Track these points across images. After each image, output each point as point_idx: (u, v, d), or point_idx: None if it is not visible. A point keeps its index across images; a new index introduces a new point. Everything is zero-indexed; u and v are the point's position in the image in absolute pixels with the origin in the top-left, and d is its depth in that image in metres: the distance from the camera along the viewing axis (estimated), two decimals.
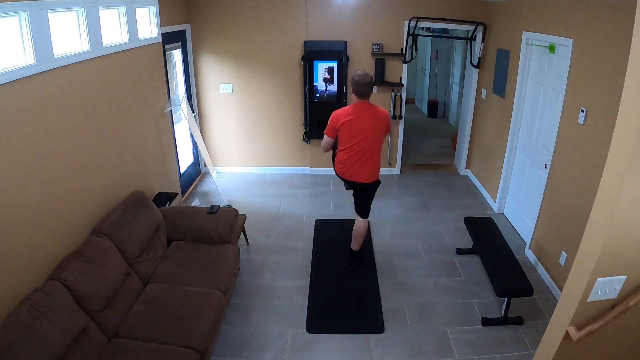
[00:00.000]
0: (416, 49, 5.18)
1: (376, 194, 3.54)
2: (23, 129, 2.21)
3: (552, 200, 3.60)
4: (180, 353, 2.32)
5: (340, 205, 4.97)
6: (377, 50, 5.19)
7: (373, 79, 3.22)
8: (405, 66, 5.29)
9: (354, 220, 3.59)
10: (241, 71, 5.31)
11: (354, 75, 3.25)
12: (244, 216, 4.04)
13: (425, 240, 4.26)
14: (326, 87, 5.32)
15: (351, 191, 3.64)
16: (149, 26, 3.84)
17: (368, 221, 3.73)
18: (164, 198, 3.86)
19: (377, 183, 3.48)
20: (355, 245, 3.72)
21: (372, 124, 3.22)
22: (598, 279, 1.61)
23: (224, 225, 3.46)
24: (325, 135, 3.37)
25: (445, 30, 6.13)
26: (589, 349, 1.81)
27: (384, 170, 5.85)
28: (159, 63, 4.04)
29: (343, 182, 3.60)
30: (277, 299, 3.40)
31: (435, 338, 3.02)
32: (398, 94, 5.41)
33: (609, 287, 1.64)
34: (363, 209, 3.60)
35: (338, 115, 3.27)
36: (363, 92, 3.21)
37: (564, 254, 3.33)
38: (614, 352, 1.88)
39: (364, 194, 3.54)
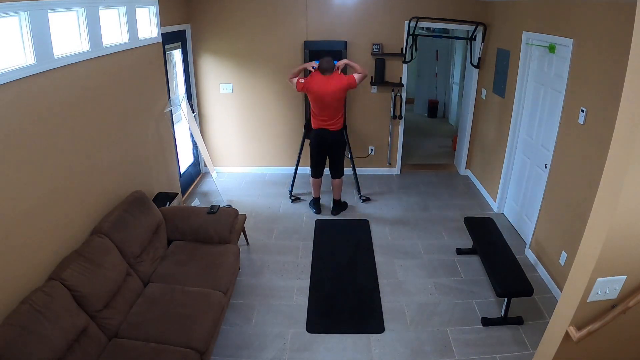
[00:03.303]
0: (416, 49, 5.18)
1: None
2: (23, 129, 2.20)
3: (552, 200, 3.60)
4: (180, 353, 2.32)
5: None
6: (377, 50, 5.19)
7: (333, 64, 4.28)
8: (405, 66, 5.29)
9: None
10: (241, 71, 5.31)
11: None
12: (244, 216, 4.04)
13: (425, 240, 4.26)
14: None
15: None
16: (149, 26, 3.84)
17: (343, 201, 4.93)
18: (164, 198, 3.86)
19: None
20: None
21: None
22: (598, 279, 1.61)
23: (224, 225, 3.46)
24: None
25: (445, 30, 6.12)
26: (589, 349, 1.81)
27: (383, 170, 5.87)
28: (159, 63, 4.04)
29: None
30: (277, 299, 3.40)
31: (435, 338, 3.02)
32: (398, 94, 5.41)
33: (609, 287, 1.64)
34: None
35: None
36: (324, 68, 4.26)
37: (564, 254, 3.33)
38: (614, 352, 1.88)
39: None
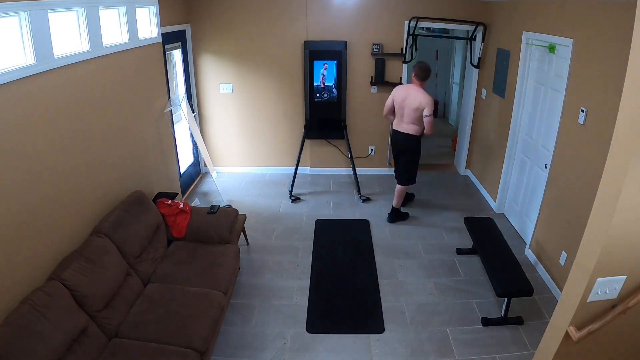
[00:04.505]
0: (416, 49, 5.18)
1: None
2: (23, 129, 2.21)
3: (552, 200, 3.60)
4: (180, 353, 2.33)
5: (340, 205, 4.97)
6: (377, 50, 5.19)
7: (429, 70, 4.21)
8: (405, 66, 5.29)
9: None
10: (241, 71, 5.31)
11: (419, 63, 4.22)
12: (244, 216, 4.04)
13: (425, 240, 4.26)
14: (324, 85, 5.32)
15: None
16: (149, 26, 3.84)
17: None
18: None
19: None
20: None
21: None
22: (598, 279, 1.61)
23: (224, 225, 3.46)
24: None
25: (445, 30, 6.12)
26: (589, 349, 1.81)
27: (383, 170, 5.86)
28: (159, 63, 4.04)
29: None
30: (277, 299, 3.40)
31: (435, 338, 3.02)
32: None
33: (609, 287, 1.64)
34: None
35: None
36: (416, 74, 4.17)
37: (564, 254, 3.33)
38: (614, 352, 1.88)
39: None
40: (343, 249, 4.08)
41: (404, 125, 4.26)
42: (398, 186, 4.52)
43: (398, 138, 4.35)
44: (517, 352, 2.89)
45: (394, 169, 4.63)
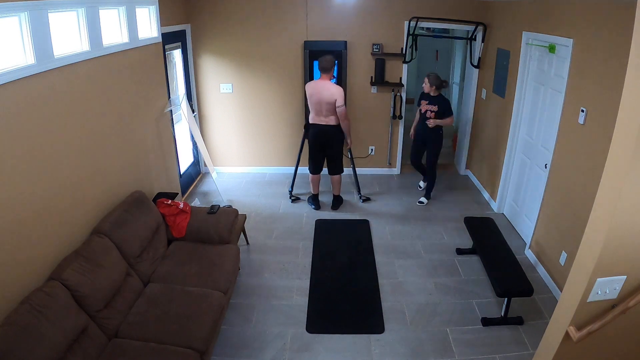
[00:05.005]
0: (416, 49, 5.18)
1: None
2: (23, 129, 2.20)
3: (552, 200, 3.60)
4: (180, 353, 2.32)
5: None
6: (377, 50, 5.19)
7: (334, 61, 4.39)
8: (405, 66, 5.29)
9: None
10: (241, 71, 5.31)
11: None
12: (244, 216, 4.04)
13: (425, 240, 4.26)
14: None
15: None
16: (149, 26, 3.84)
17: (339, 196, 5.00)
18: None
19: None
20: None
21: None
22: (598, 279, 1.61)
23: (224, 225, 3.46)
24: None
25: (445, 30, 6.12)
26: (589, 349, 1.81)
27: (383, 170, 5.86)
28: (159, 63, 4.04)
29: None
30: (277, 299, 3.40)
31: (435, 338, 3.02)
32: (398, 94, 5.42)
33: (609, 287, 1.64)
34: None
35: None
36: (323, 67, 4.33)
37: (564, 254, 3.33)
38: (614, 352, 1.88)
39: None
40: (343, 249, 4.08)
41: (324, 119, 4.42)
42: (335, 176, 4.73)
43: (322, 130, 4.46)
44: (517, 352, 2.89)
45: (309, 166, 4.76)
